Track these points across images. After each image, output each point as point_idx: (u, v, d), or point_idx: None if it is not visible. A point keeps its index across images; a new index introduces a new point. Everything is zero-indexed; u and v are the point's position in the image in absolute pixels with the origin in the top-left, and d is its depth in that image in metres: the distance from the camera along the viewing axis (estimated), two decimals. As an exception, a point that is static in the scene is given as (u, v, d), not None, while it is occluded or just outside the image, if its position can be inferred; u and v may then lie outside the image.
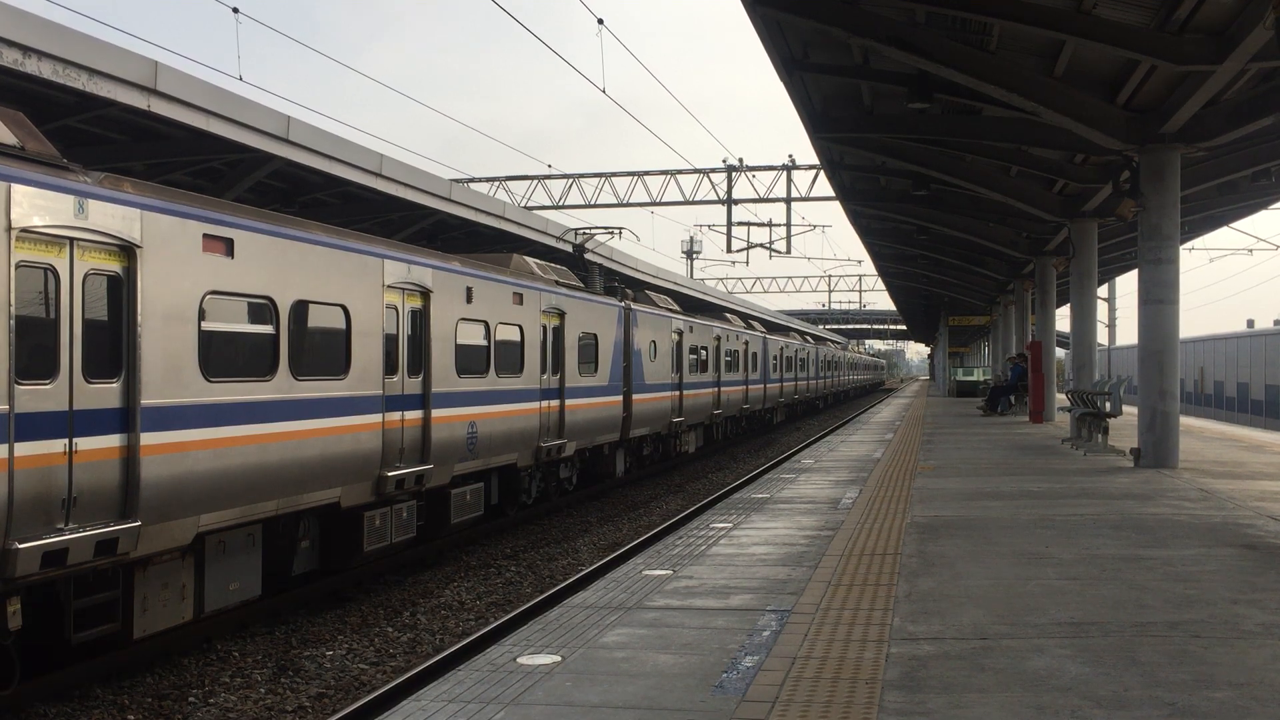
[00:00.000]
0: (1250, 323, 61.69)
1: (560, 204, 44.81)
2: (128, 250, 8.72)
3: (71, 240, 8.22)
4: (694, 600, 7.89)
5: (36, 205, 7.88)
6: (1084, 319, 25.36)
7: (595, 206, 44.77)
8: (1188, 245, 40.09)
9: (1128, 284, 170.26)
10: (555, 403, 18.11)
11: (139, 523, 8.61)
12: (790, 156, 44.22)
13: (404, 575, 13.77)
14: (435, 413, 13.62)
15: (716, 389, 31.18)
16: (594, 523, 18.49)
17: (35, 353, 7.93)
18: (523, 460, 16.88)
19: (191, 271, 9.39)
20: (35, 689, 8.70)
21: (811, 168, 43.12)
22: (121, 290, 8.72)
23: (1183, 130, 16.29)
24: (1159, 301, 16.86)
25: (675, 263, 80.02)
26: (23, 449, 7.74)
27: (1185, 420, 25.91)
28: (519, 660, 6.37)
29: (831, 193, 29.43)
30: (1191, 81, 14.69)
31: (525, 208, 38.21)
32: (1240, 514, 11.73)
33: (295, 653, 10.31)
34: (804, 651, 6.42)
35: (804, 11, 14.48)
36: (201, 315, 9.52)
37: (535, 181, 45.21)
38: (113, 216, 8.54)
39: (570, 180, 45.09)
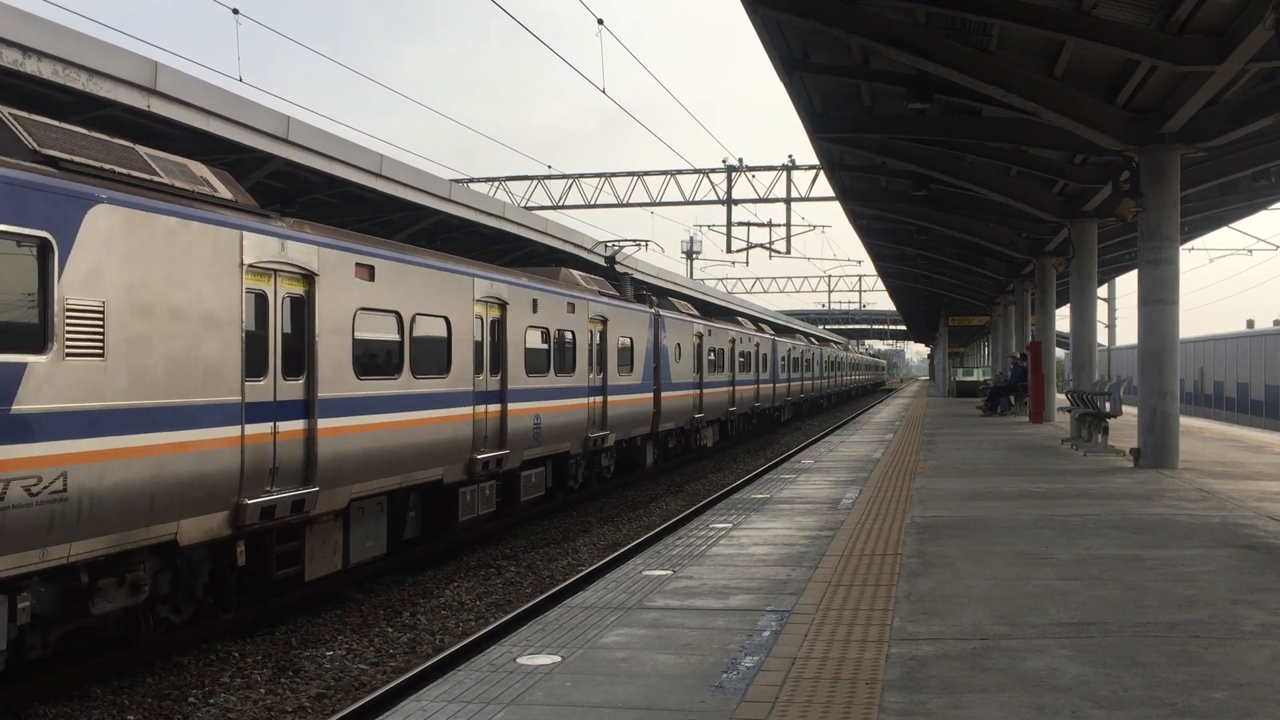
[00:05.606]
0: (1250, 323, 61.64)
1: (560, 204, 44.77)
2: (309, 278, 11.01)
3: (275, 271, 10.50)
4: (694, 600, 7.89)
5: (257, 246, 10.19)
6: (1084, 319, 25.35)
7: (595, 207, 44.72)
8: (1188, 245, 40.04)
9: (1128, 284, 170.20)
10: (599, 399, 20.30)
11: (317, 489, 10.86)
12: (790, 157, 44.19)
13: (404, 575, 13.78)
14: (510, 406, 15.88)
15: (732, 388, 32.93)
16: (594, 523, 18.49)
17: (255, 357, 10.19)
18: (574, 449, 19.06)
19: (348, 293, 11.66)
20: (35, 689, 8.72)
21: (811, 168, 43.06)
22: (305, 308, 10.99)
23: (1183, 130, 16.28)
24: (1159, 302, 16.86)
25: (675, 263, 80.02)
26: (249, 430, 10.00)
27: (1185, 420, 25.91)
28: (519, 660, 6.38)
29: (831, 193, 29.43)
30: (1191, 82, 14.69)
31: (525, 208, 38.19)
32: (1240, 514, 11.73)
33: (295, 653, 10.32)
34: (804, 652, 6.42)
35: (804, 12, 14.48)
36: (354, 327, 11.71)
37: (535, 182, 45.17)
38: (302, 252, 10.85)
39: (570, 180, 45.07)
